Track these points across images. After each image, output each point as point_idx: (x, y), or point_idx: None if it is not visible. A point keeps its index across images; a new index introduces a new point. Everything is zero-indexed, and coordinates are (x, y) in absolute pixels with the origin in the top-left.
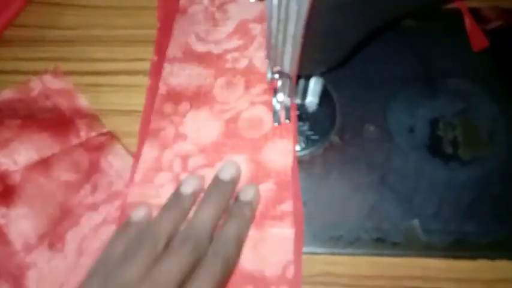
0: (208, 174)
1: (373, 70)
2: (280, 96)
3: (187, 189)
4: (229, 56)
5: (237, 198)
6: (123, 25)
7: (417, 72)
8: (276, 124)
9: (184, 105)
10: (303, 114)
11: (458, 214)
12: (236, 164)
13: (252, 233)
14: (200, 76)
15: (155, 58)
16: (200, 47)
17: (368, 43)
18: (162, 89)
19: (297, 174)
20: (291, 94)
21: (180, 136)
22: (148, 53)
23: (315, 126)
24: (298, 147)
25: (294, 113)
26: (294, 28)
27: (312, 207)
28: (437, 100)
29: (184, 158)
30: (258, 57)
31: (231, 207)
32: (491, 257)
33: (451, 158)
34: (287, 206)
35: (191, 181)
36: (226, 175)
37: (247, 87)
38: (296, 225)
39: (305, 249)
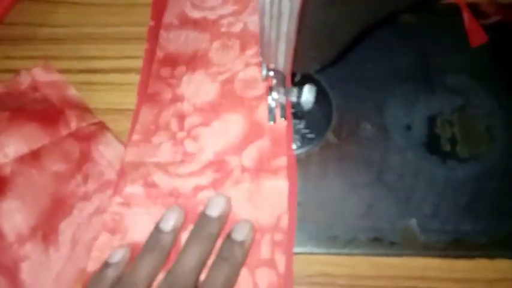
0: (204, 133)
1: (370, 67)
2: (275, 94)
3: (166, 226)
4: (224, 21)
5: (228, 236)
6: (115, 23)
7: (414, 69)
8: (271, 122)
9: (180, 69)
10: (298, 113)
11: (457, 213)
12: (225, 198)
13: (248, 185)
14: (196, 40)
15: (152, 23)
16: (195, 14)
17: (362, 41)
18: (159, 54)
19: (290, 131)
20: (286, 91)
21: (176, 97)
22: (140, 50)
23: (311, 124)
24: (294, 146)
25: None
26: (287, 25)
27: (308, 206)
28: (435, 97)
29: (181, 118)
30: (253, 21)
31: (221, 247)
32: (490, 256)
33: (449, 155)
34: (281, 161)
35: (172, 215)
36: (214, 211)
37: (242, 49)
38: (290, 178)
39: (302, 249)
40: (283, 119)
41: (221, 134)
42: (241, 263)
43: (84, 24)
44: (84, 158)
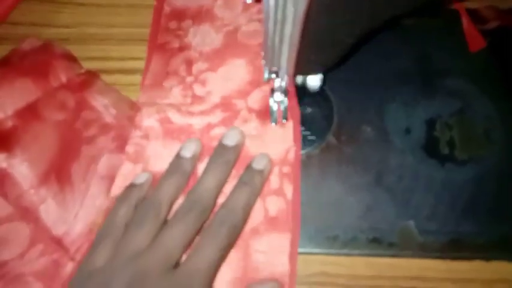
0: (211, 78)
1: (370, 71)
2: (278, 96)
3: (186, 153)
4: None
5: (249, 165)
6: (119, 24)
7: (414, 73)
8: (274, 124)
9: (187, 22)
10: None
11: (454, 214)
12: (240, 130)
13: (255, 124)
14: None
15: None
16: None
17: (364, 44)
18: (166, 9)
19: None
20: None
21: (184, 46)
22: (144, 52)
23: (311, 126)
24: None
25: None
26: (291, 29)
27: (308, 207)
28: (434, 100)
29: (189, 64)
30: None
31: (242, 175)
32: (488, 257)
33: (447, 158)
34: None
35: (190, 145)
36: (231, 141)
37: (245, 6)
38: (293, 119)
39: (301, 249)
40: (285, 120)
41: (227, 79)
42: (260, 189)
43: (88, 24)
44: (80, 106)
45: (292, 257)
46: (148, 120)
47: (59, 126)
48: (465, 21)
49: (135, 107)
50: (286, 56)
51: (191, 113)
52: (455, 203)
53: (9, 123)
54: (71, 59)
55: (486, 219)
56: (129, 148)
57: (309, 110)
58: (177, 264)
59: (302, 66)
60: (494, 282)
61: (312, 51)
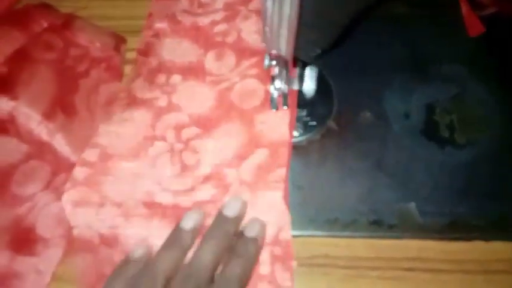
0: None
1: (368, 58)
2: (278, 83)
3: (187, 224)
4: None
5: (241, 234)
6: (116, 16)
7: (411, 59)
8: (274, 110)
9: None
10: (301, 101)
11: (453, 196)
12: (242, 199)
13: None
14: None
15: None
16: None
17: (360, 23)
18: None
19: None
20: (288, 79)
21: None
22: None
23: (312, 112)
24: (296, 133)
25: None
26: (289, 8)
27: (309, 191)
28: (432, 86)
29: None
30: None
31: (235, 244)
32: (486, 237)
33: (447, 141)
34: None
35: (192, 216)
36: (231, 212)
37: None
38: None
39: (302, 232)
40: (285, 107)
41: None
42: (255, 259)
43: (86, 17)
44: (67, 44)
45: None
46: (160, 24)
47: (52, 65)
48: (464, 6)
49: (118, 38)
50: (285, 37)
51: (199, 14)
52: (454, 185)
53: (4, 69)
54: (47, 5)
55: (484, 201)
56: (141, 43)
57: (309, 96)
58: None
59: (300, 49)
60: (492, 262)
61: (309, 32)
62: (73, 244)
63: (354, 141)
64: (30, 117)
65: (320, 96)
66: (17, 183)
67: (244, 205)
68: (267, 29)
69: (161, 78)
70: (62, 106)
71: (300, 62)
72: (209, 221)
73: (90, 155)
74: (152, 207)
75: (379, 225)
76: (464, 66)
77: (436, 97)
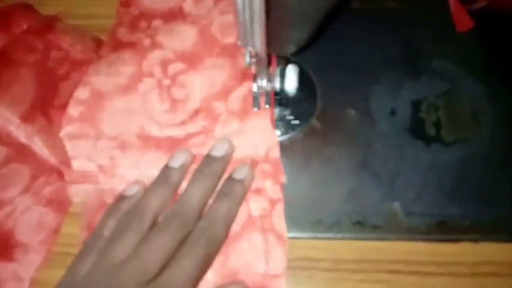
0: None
1: (355, 54)
2: (259, 81)
3: (175, 163)
4: None
5: (229, 176)
6: (103, 14)
7: (399, 55)
8: (255, 109)
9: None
10: (283, 99)
11: (441, 197)
12: (229, 141)
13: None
14: None
15: None
16: None
17: (334, 20)
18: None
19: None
20: (270, 78)
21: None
22: None
23: (295, 111)
24: (278, 132)
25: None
26: (259, 3)
27: (292, 192)
28: (420, 82)
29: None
30: None
31: (222, 185)
32: (474, 239)
33: (434, 140)
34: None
35: (179, 155)
36: (219, 152)
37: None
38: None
39: None
40: (267, 105)
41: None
42: (241, 199)
43: (72, 16)
44: (48, 47)
45: None
46: None
47: (32, 68)
48: (452, 1)
49: (99, 40)
50: (259, 34)
51: None
52: (442, 185)
53: None
54: (27, 6)
55: (473, 201)
56: None
57: (292, 94)
58: (155, 277)
59: (275, 45)
60: (480, 264)
61: (283, 28)
62: (74, 176)
63: (339, 140)
64: (8, 119)
65: (303, 94)
66: None
67: (232, 146)
68: (240, 25)
69: (143, 23)
70: (41, 109)
71: (282, 59)
72: (202, 149)
73: (83, 93)
74: (146, 139)
75: (363, 226)
76: (455, 62)
77: (424, 94)
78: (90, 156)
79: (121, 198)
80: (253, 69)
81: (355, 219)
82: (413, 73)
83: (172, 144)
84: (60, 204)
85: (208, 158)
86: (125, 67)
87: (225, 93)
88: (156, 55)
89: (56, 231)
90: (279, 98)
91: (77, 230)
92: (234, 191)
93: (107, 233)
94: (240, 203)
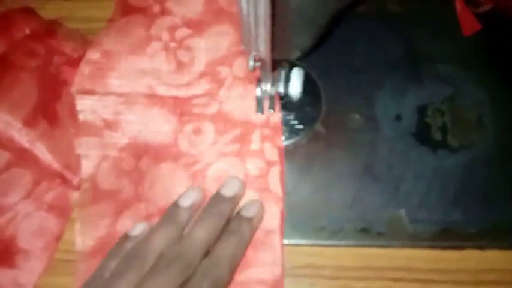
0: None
1: (359, 58)
2: (263, 85)
3: (185, 202)
4: None
5: (238, 213)
6: (102, 18)
7: (404, 59)
8: (260, 114)
9: None
10: (287, 104)
11: (445, 203)
12: (240, 181)
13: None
14: None
15: None
16: None
17: (338, 25)
18: None
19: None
20: (274, 82)
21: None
22: None
23: (299, 115)
24: (282, 137)
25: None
26: (264, 8)
27: (294, 197)
28: (425, 86)
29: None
30: None
31: (230, 222)
32: (479, 246)
33: (440, 145)
34: None
35: (191, 194)
36: (229, 191)
37: None
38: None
39: (286, 241)
40: (271, 110)
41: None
42: (249, 240)
43: (71, 19)
44: (50, 52)
45: None
46: None
47: (34, 72)
48: (458, 4)
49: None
50: (263, 38)
51: None
52: (446, 191)
53: None
54: (30, 10)
55: (477, 208)
56: None
57: (296, 98)
58: None
59: (279, 50)
60: (485, 272)
61: (287, 33)
62: (79, 128)
63: (343, 145)
64: (10, 124)
65: (307, 98)
66: None
67: (243, 186)
68: (245, 29)
69: None
70: (44, 113)
71: (286, 62)
72: (205, 110)
73: (94, 54)
74: (152, 98)
75: (367, 233)
76: (460, 65)
77: (429, 98)
78: (96, 110)
79: (125, 237)
80: (257, 73)
81: (359, 226)
82: (417, 77)
83: (177, 103)
84: (62, 210)
85: (218, 197)
86: (134, 30)
87: (229, 59)
88: (164, 21)
89: (57, 237)
90: (283, 102)
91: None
92: (241, 230)
93: (107, 274)
94: (247, 243)
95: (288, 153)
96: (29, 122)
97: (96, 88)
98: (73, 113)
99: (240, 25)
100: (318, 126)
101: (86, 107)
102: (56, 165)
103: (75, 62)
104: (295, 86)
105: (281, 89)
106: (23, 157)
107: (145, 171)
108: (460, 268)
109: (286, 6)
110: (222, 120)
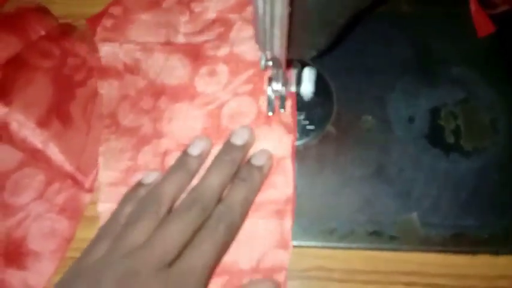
0: None
1: (371, 59)
2: (275, 85)
3: (194, 150)
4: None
5: (248, 161)
6: None
7: (416, 60)
8: (270, 114)
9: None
10: (299, 104)
11: (458, 207)
12: (250, 130)
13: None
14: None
15: None
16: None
17: (356, 25)
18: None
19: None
20: (285, 81)
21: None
22: None
23: (310, 116)
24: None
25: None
26: (281, 8)
27: (305, 199)
28: (438, 89)
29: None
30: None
31: (240, 170)
32: (491, 252)
33: (452, 148)
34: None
35: (199, 143)
36: (239, 140)
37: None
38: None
39: (297, 242)
40: (282, 110)
41: None
42: (259, 186)
43: (80, 16)
44: (65, 54)
45: None
46: None
47: (49, 73)
48: (473, 5)
49: None
50: (279, 38)
51: None
52: (459, 195)
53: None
54: (45, 11)
55: (490, 213)
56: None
57: (307, 98)
58: (172, 262)
59: (294, 50)
60: (496, 277)
61: (303, 33)
62: (102, 72)
63: (354, 146)
64: (23, 124)
65: (319, 98)
66: (9, 192)
67: (252, 136)
68: (259, 29)
69: None
70: (57, 114)
71: (298, 62)
72: (217, 52)
73: (115, 10)
74: (169, 45)
75: (379, 236)
76: (474, 68)
77: (442, 100)
78: (117, 55)
79: (138, 185)
80: (268, 73)
81: (370, 229)
82: (431, 79)
83: (191, 49)
84: (73, 212)
85: (229, 145)
86: None
87: (239, 6)
88: None
89: (68, 239)
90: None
91: (90, 235)
92: (252, 177)
93: (123, 219)
94: (257, 190)
95: (298, 154)
96: (43, 122)
97: (117, 37)
98: (86, 114)
99: (254, 24)
100: (330, 127)
101: (108, 52)
102: (68, 166)
103: (91, 66)
104: (307, 86)
105: (293, 89)
106: (35, 157)
107: (163, 109)
108: (472, 273)
109: (304, 6)
110: (235, 62)
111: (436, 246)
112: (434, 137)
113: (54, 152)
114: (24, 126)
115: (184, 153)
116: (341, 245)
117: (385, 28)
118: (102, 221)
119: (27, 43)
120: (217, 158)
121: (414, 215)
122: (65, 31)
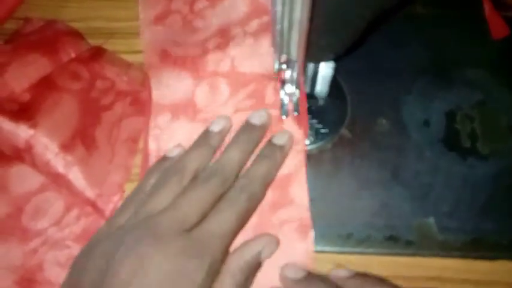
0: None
1: (386, 61)
2: (289, 88)
3: (216, 127)
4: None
5: (269, 140)
6: (125, 17)
7: (432, 63)
8: (284, 117)
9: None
10: (312, 107)
11: (477, 211)
12: (268, 112)
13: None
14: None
15: None
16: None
17: (377, 28)
18: None
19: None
20: (298, 85)
21: None
22: None
23: (324, 119)
24: (307, 141)
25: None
26: (300, 11)
27: (320, 204)
28: (454, 91)
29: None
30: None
31: (262, 148)
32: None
33: (469, 152)
34: None
35: (220, 120)
36: (258, 120)
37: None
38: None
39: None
40: (296, 113)
41: None
42: (280, 165)
43: (94, 18)
44: (94, 76)
45: None
46: None
47: (76, 96)
48: (487, 7)
49: (146, 73)
50: (296, 41)
51: None
52: (477, 199)
53: (27, 96)
54: (77, 34)
55: (509, 218)
56: None
57: (321, 101)
58: (193, 228)
59: (312, 53)
60: None
61: (322, 36)
62: None
63: (369, 150)
64: (47, 147)
65: (333, 101)
66: (28, 215)
67: (269, 116)
68: (277, 32)
69: None
70: (82, 138)
71: (312, 64)
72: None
73: None
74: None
75: (396, 241)
76: (489, 70)
77: (458, 103)
78: None
79: (163, 159)
80: (282, 76)
81: (387, 233)
82: (446, 82)
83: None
84: None
85: (248, 125)
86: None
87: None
88: None
89: None
90: (309, 106)
91: None
92: (274, 155)
93: (147, 188)
94: (278, 168)
95: (312, 158)
96: (67, 146)
97: None
98: (111, 139)
99: (271, 27)
100: (344, 131)
101: None
102: (89, 192)
103: (119, 89)
104: (322, 87)
105: (307, 90)
106: (56, 181)
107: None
108: (493, 279)
109: (323, 8)
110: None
111: (454, 251)
112: (450, 140)
113: (77, 177)
114: (48, 150)
115: (206, 130)
116: (358, 250)
117: (399, 30)
118: None
119: (58, 65)
120: (236, 135)
121: (431, 220)
122: (96, 53)
